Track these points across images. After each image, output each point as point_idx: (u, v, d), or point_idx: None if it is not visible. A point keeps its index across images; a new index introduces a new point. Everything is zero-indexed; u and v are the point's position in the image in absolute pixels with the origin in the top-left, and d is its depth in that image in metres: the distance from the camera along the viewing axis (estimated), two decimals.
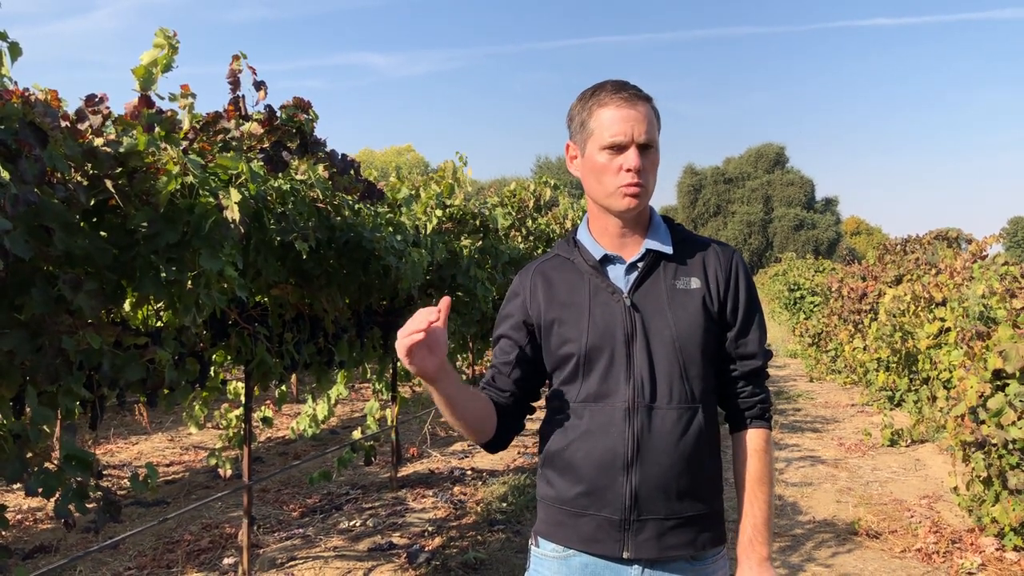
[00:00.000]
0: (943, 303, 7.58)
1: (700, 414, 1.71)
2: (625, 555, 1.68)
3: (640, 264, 1.75)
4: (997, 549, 4.75)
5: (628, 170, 1.66)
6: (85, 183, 2.42)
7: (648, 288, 1.73)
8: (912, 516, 5.55)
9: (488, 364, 1.96)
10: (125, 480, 6.22)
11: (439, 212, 4.99)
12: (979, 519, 5.01)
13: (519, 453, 7.28)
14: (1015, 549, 4.69)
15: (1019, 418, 4.22)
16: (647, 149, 1.69)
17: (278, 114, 3.15)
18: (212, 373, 3.87)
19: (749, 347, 1.81)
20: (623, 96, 1.68)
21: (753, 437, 1.80)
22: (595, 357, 1.70)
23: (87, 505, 2.41)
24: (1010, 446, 4.31)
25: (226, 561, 4.52)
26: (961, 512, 5.38)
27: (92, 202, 2.45)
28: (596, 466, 1.67)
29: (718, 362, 1.80)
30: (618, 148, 1.67)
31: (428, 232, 4.85)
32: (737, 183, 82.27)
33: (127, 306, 3.02)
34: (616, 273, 1.76)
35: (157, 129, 2.62)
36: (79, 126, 2.43)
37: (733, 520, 1.82)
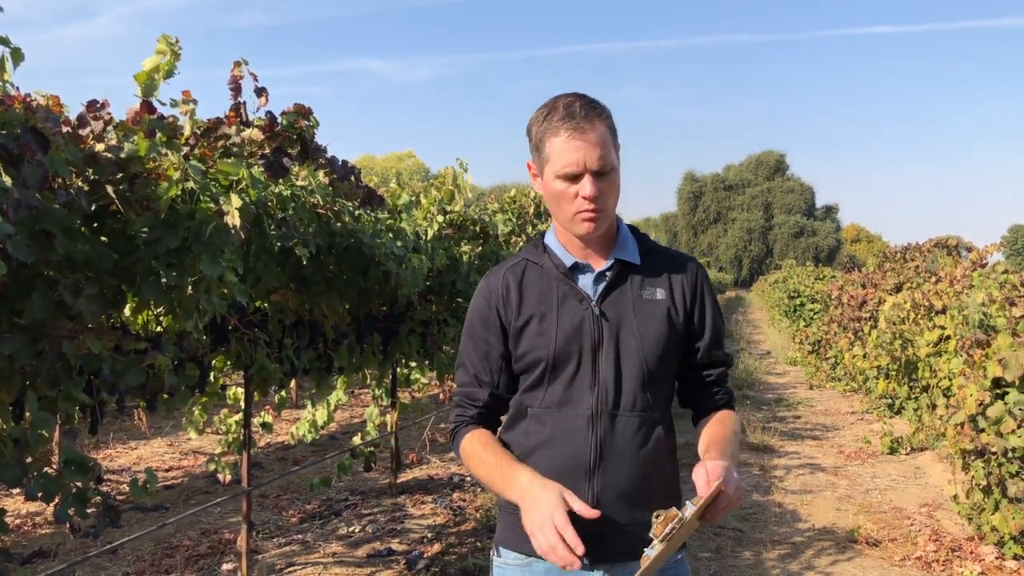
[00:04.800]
0: (943, 311, 7.58)
1: (660, 422, 1.75)
2: (584, 562, 1.67)
3: (608, 273, 1.77)
4: (997, 558, 4.74)
5: (584, 198, 1.65)
6: (86, 188, 2.42)
7: (616, 297, 1.75)
8: (912, 524, 5.54)
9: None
10: (124, 485, 6.21)
11: (440, 218, 5.00)
12: (979, 527, 5.00)
13: None
14: (1015, 558, 4.68)
15: (1019, 426, 4.22)
16: (603, 175, 1.67)
17: (279, 120, 3.16)
18: (212, 378, 3.87)
19: (720, 355, 1.86)
20: (573, 124, 1.64)
21: (724, 411, 1.87)
22: (562, 364, 1.72)
23: (87, 510, 2.41)
24: (1010, 454, 4.31)
25: (225, 567, 4.52)
26: (961, 520, 5.38)
27: (93, 207, 2.45)
28: (559, 472, 1.67)
29: (684, 370, 1.85)
30: (572, 177, 1.66)
31: (428, 238, 4.86)
32: (737, 190, 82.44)
33: (127, 311, 3.02)
34: (585, 281, 1.78)
35: (158, 135, 2.63)
36: (80, 131, 2.44)
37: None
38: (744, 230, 77.29)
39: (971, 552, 4.90)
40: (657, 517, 1.44)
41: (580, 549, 1.47)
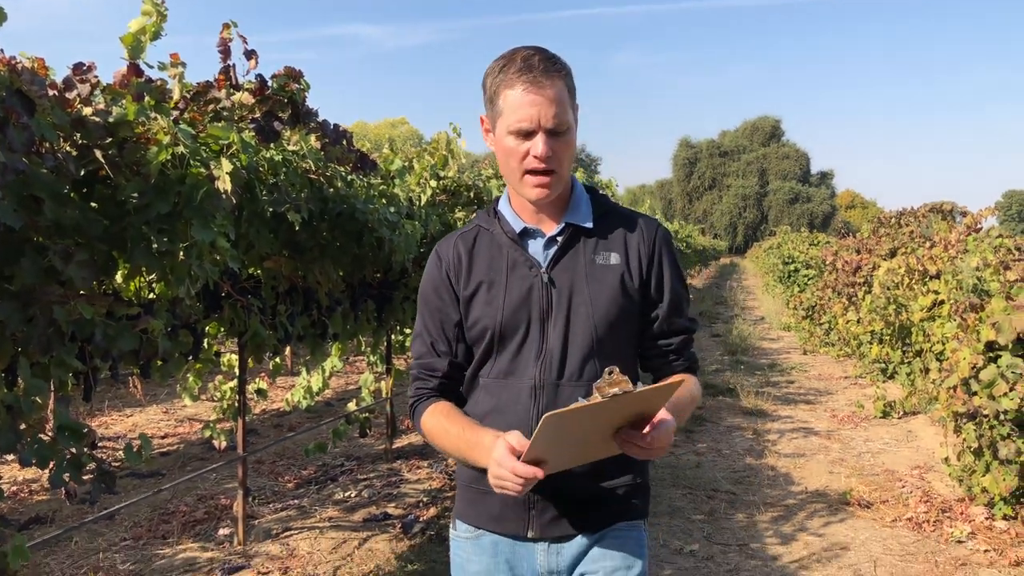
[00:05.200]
0: (937, 276, 7.59)
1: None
2: (530, 534, 1.68)
3: (559, 238, 1.70)
4: (987, 518, 4.80)
5: (536, 157, 1.57)
6: (74, 153, 2.39)
7: (567, 263, 1.68)
8: (903, 486, 5.60)
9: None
10: (120, 452, 6.23)
11: (433, 183, 4.96)
12: (969, 489, 5.05)
13: None
14: (1004, 518, 4.74)
15: (1011, 389, 4.24)
16: (558, 135, 1.58)
17: (269, 84, 3.12)
18: (206, 345, 3.86)
19: (681, 323, 1.78)
20: (530, 77, 1.55)
21: (683, 374, 1.77)
22: (509, 333, 1.67)
23: (82, 476, 2.41)
24: (1001, 417, 4.34)
25: (221, 532, 4.55)
26: (952, 482, 5.43)
27: (82, 172, 2.42)
28: None
29: (642, 339, 1.77)
30: (525, 134, 1.58)
31: (422, 204, 4.83)
32: (732, 156, 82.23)
33: (119, 278, 3.00)
34: (535, 247, 1.71)
35: (147, 98, 2.59)
36: (67, 95, 2.40)
37: (654, 495, 1.83)
38: (739, 196, 77.20)
39: (961, 513, 4.95)
40: (610, 373, 1.38)
41: (526, 471, 1.43)
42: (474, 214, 5.74)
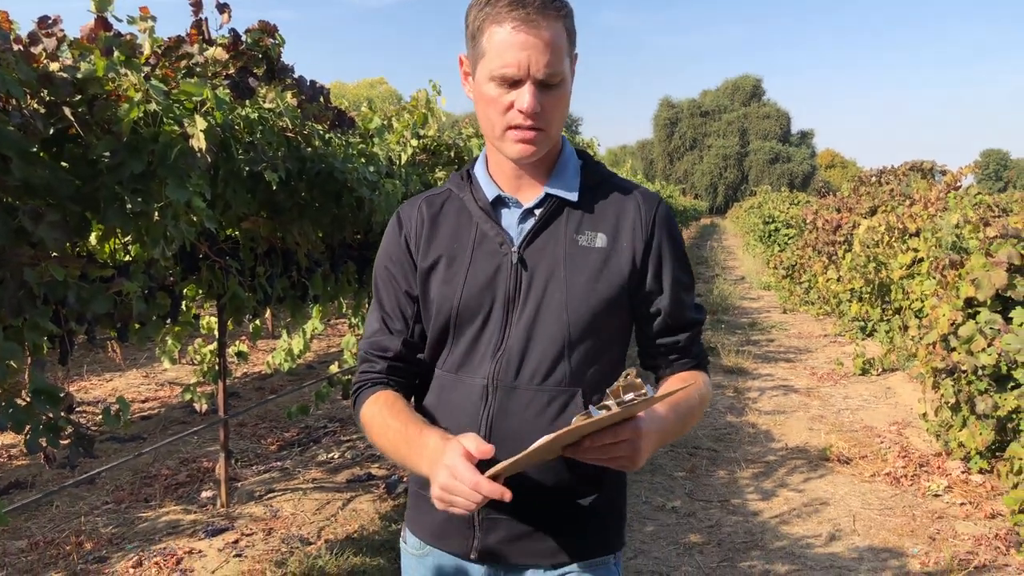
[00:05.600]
0: (917, 234, 7.64)
1: (579, 399, 1.39)
2: (472, 556, 1.43)
3: (537, 211, 1.43)
4: (963, 472, 4.87)
5: (521, 111, 1.31)
6: (42, 111, 2.32)
7: (544, 242, 1.41)
8: (882, 442, 5.67)
9: None
10: (100, 416, 6.19)
11: (414, 143, 4.89)
12: (946, 444, 5.13)
13: None
14: (980, 472, 4.82)
15: (989, 344, 4.29)
16: (549, 87, 1.32)
17: (243, 39, 3.04)
18: (184, 307, 3.81)
19: (686, 316, 1.50)
20: (522, 14, 1.27)
21: (690, 372, 1.52)
22: (467, 319, 1.41)
23: (59, 440, 2.38)
24: (979, 372, 4.39)
25: (204, 494, 4.54)
26: (929, 437, 5.51)
27: (51, 131, 2.35)
28: None
29: (641, 338, 1.53)
30: (510, 82, 1.31)
31: (402, 163, 4.76)
32: (714, 116, 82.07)
33: (93, 239, 2.94)
34: (510, 219, 1.44)
35: (116, 53, 2.51)
36: (32, 50, 2.32)
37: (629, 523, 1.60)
38: (720, 157, 77.21)
39: (938, 467, 5.03)
40: (625, 377, 1.15)
41: (492, 490, 1.16)
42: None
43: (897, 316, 7.99)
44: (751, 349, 9.17)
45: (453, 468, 1.19)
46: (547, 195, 1.43)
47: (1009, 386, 4.31)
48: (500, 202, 1.45)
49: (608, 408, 1.14)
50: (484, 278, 1.41)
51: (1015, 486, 4.10)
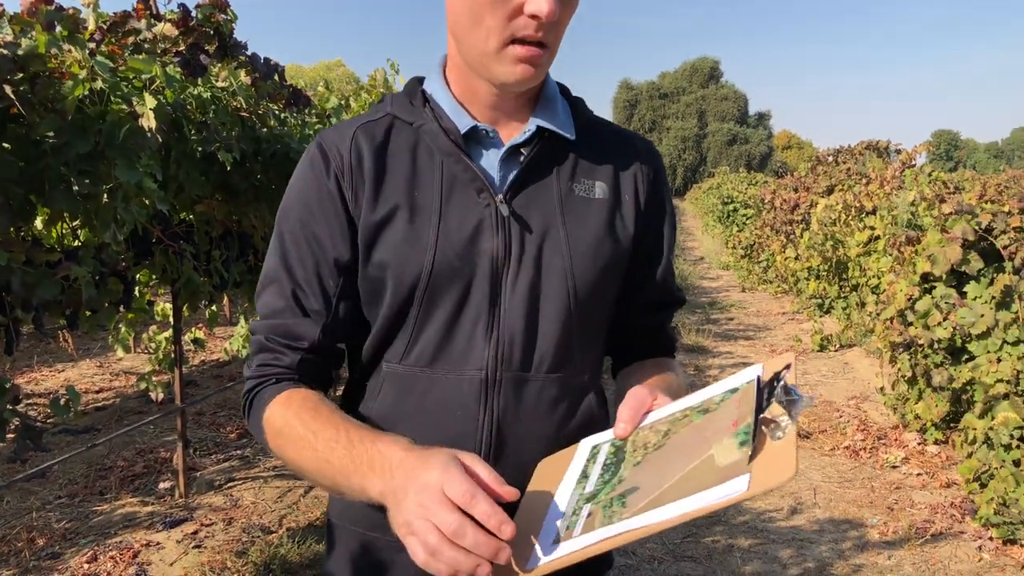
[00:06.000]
0: (873, 212, 7.75)
1: (590, 390, 1.15)
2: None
3: (525, 149, 1.09)
4: (919, 443, 4.97)
5: (534, 16, 0.96)
6: None
7: (536, 190, 1.09)
8: (841, 416, 5.76)
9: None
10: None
11: None
12: (903, 416, 5.22)
13: None
14: (935, 443, 4.91)
15: (945, 319, 4.36)
16: None
17: (193, 14, 2.96)
18: (137, 293, 3.72)
19: (673, 289, 1.29)
20: None
21: (662, 357, 1.28)
22: (440, 294, 1.05)
23: (5, 433, 2.30)
24: (935, 346, 4.46)
25: (162, 485, 4.45)
26: (886, 411, 5.60)
27: None
28: None
29: (621, 311, 1.22)
30: None
31: None
32: (672, 98, 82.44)
33: (39, 223, 2.85)
34: (488, 160, 1.09)
35: (58, 28, 2.42)
36: None
37: None
38: (678, 139, 77.67)
39: (896, 439, 5.12)
40: (780, 378, 0.88)
41: (508, 529, 0.78)
42: None
43: (854, 293, 8.12)
44: (711, 328, 9.25)
45: (463, 494, 0.79)
46: (538, 129, 1.09)
47: (963, 359, 4.39)
48: (474, 135, 1.09)
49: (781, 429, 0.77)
50: (463, 237, 1.05)
51: (969, 456, 4.18)
